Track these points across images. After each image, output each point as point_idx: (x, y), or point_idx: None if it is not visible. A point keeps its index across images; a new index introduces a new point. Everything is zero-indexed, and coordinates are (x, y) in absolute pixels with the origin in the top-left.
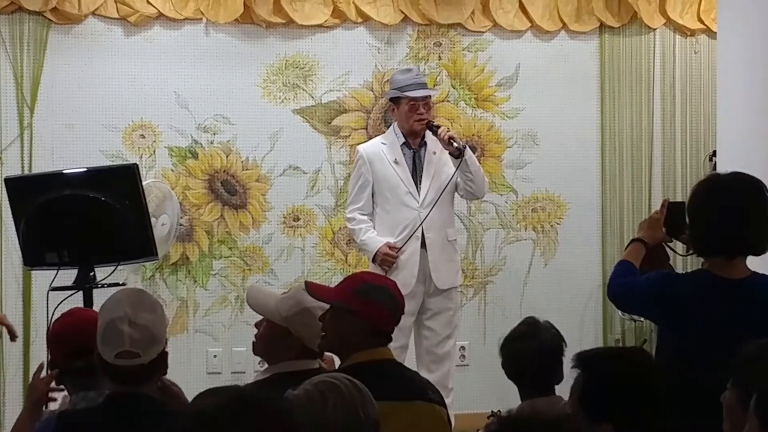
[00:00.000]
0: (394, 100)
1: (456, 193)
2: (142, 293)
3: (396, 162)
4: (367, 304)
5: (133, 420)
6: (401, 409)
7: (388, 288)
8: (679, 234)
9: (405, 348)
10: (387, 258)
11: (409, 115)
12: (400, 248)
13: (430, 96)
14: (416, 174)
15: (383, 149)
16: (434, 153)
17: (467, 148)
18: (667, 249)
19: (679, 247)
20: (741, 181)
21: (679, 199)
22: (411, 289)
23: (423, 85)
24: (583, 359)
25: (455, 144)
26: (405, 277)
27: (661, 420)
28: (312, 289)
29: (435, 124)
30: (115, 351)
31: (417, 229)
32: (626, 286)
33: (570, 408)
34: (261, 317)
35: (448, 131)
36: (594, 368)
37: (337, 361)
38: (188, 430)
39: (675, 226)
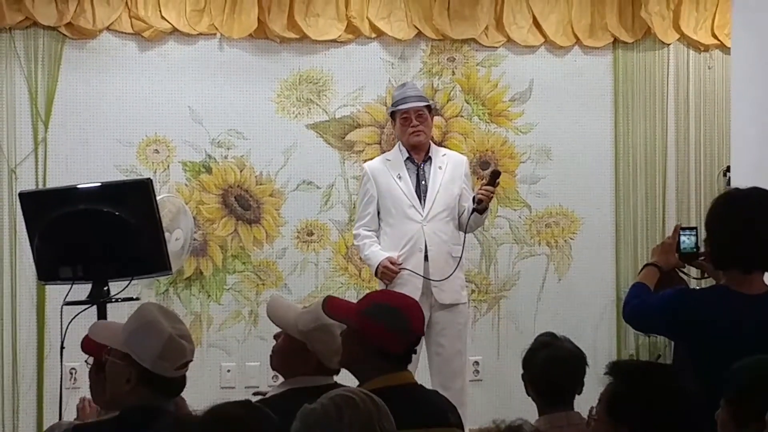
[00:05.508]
0: (393, 117)
1: None
2: (160, 305)
3: (399, 177)
4: (370, 326)
5: None
6: None
7: (399, 309)
8: (691, 260)
9: (415, 363)
10: (386, 272)
11: (403, 129)
12: (400, 264)
13: (423, 109)
14: (420, 188)
15: (387, 165)
16: (440, 168)
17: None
18: (681, 274)
19: (693, 272)
20: (759, 195)
21: (693, 220)
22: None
23: (414, 98)
24: (617, 368)
25: (483, 204)
26: (410, 291)
27: None
28: (329, 305)
29: (498, 176)
30: (176, 364)
31: (419, 241)
32: (642, 306)
33: (597, 414)
34: (279, 329)
35: (490, 195)
36: (627, 378)
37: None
38: None
39: (688, 252)
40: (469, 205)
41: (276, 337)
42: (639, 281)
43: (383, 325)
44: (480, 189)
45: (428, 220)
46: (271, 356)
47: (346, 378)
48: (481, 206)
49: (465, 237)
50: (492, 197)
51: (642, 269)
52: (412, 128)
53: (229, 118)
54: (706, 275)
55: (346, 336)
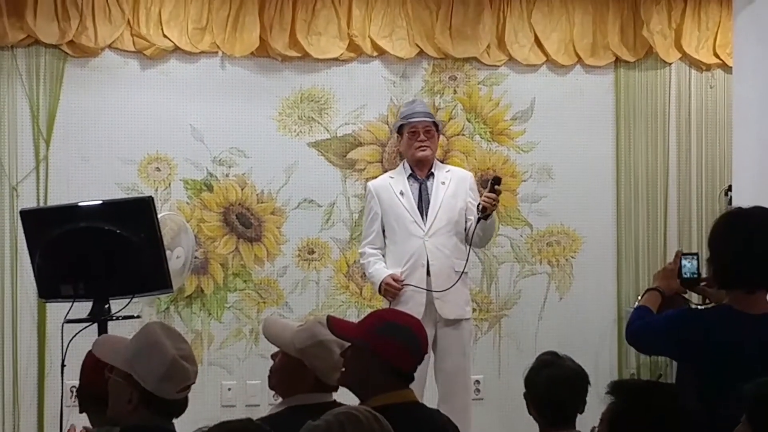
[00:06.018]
0: (400, 132)
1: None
2: (164, 325)
3: (402, 193)
4: (387, 344)
5: None
6: None
7: (409, 328)
8: (693, 285)
9: (422, 379)
10: (389, 288)
11: (410, 143)
12: (403, 280)
13: (431, 125)
14: (422, 204)
15: (390, 182)
16: (442, 183)
17: (493, 215)
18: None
19: (694, 297)
20: (761, 214)
21: (694, 239)
22: (420, 318)
23: (422, 113)
24: (618, 387)
25: (487, 211)
26: (414, 306)
27: None
28: (333, 324)
29: (499, 182)
30: (179, 387)
31: (421, 256)
32: (645, 326)
33: None
34: (277, 349)
35: (494, 203)
36: (629, 398)
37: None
38: None
39: (689, 278)
40: (474, 217)
41: (273, 357)
42: (642, 304)
43: (398, 342)
44: (482, 197)
45: (430, 235)
46: (269, 376)
47: (344, 396)
48: (484, 214)
49: (469, 250)
50: (496, 204)
51: (644, 293)
52: (418, 143)
53: (230, 136)
54: (707, 300)
55: (352, 354)
